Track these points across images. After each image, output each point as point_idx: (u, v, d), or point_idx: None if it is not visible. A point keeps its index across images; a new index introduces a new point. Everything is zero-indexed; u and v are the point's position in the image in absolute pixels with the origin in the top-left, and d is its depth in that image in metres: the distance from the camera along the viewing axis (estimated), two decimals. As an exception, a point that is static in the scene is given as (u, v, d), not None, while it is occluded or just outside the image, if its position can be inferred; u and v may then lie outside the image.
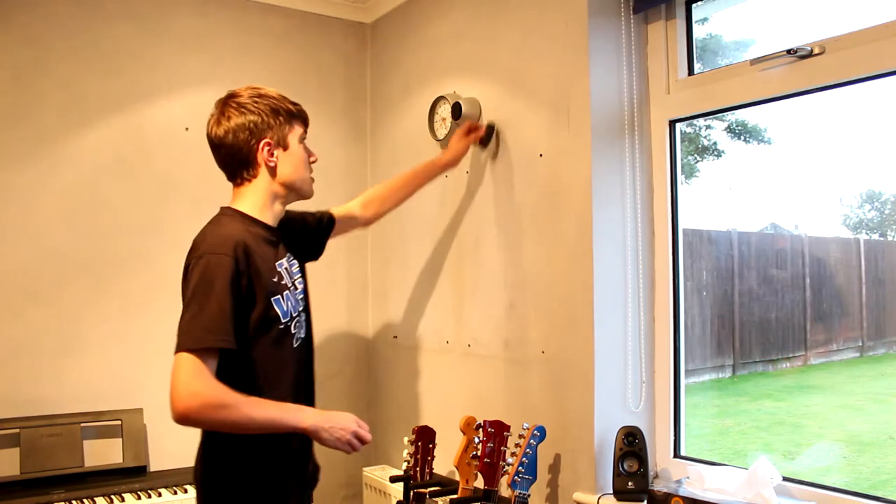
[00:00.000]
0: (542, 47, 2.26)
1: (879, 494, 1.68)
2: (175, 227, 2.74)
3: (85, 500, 2.27)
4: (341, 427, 1.58)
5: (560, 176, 2.19)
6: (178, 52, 2.77)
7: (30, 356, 2.48)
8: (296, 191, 1.73)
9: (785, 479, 1.82)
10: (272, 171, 1.67)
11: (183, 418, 1.41)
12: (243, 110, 1.63)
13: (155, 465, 2.61)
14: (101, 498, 2.30)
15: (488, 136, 2.44)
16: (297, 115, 1.70)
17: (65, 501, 2.25)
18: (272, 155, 1.65)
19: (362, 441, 1.61)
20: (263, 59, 2.96)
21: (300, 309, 1.72)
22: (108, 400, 2.56)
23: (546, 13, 2.24)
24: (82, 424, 2.44)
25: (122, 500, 2.32)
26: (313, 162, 1.76)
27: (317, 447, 1.73)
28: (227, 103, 1.66)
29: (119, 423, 2.51)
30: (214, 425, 1.49)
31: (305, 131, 1.73)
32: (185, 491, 2.42)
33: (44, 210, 2.52)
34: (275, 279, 1.63)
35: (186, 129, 2.77)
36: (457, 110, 2.50)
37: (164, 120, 2.74)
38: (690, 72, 2.10)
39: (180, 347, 1.44)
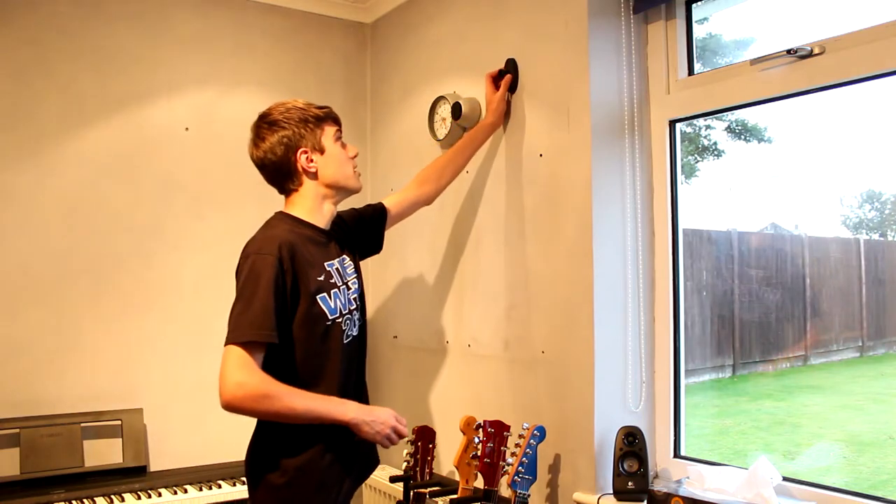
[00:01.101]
0: (542, 47, 2.26)
1: (879, 494, 1.68)
2: (175, 228, 2.75)
3: (85, 500, 2.27)
4: (381, 421, 1.68)
5: (560, 176, 2.19)
6: (178, 52, 2.77)
7: (30, 356, 2.48)
8: (341, 188, 1.81)
9: (785, 479, 1.81)
10: (315, 176, 1.76)
11: (229, 406, 1.51)
12: (275, 128, 1.73)
13: (155, 465, 2.61)
14: (101, 498, 2.30)
15: (515, 80, 2.34)
16: (326, 118, 1.77)
17: (65, 501, 2.25)
18: (311, 161, 1.74)
19: (400, 435, 1.72)
20: (263, 59, 2.97)
21: (352, 307, 1.79)
22: (108, 400, 2.56)
23: (546, 13, 2.24)
24: (82, 424, 2.44)
25: (122, 500, 2.32)
26: (354, 157, 1.83)
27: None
28: (259, 125, 1.76)
29: (119, 423, 2.51)
30: (258, 414, 1.59)
31: (339, 129, 1.81)
32: (185, 491, 2.43)
33: (44, 210, 2.52)
34: (321, 277, 1.70)
35: (186, 129, 2.77)
36: (457, 110, 2.50)
37: (164, 120, 2.74)
38: (690, 72, 2.10)
39: (228, 341, 1.54)
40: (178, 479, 2.48)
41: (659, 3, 2.08)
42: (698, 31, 2.18)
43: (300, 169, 1.74)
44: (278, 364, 1.61)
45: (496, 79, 2.35)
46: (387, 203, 2.18)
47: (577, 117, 2.12)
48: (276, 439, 1.68)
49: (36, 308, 2.50)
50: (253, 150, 1.76)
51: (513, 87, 2.36)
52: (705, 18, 2.24)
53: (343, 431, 1.69)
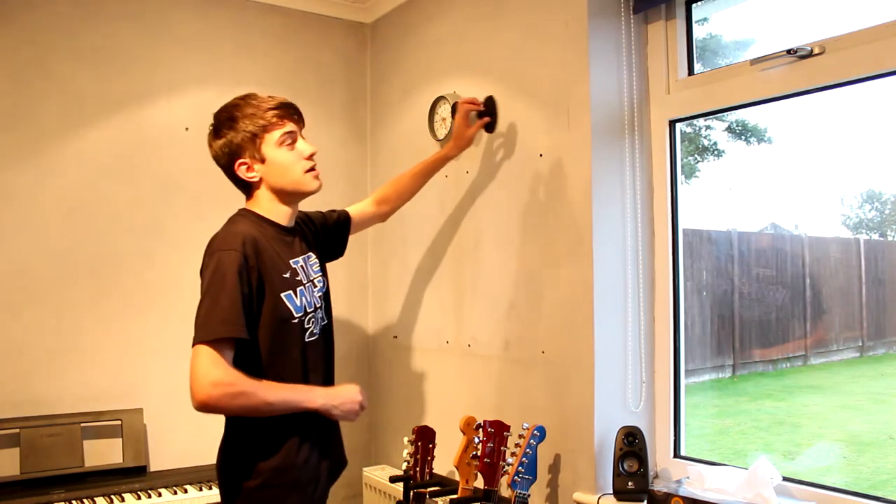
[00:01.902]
0: (542, 47, 2.26)
1: (879, 494, 1.68)
2: (175, 227, 2.75)
3: (85, 500, 2.27)
4: (349, 401, 1.70)
5: (560, 176, 2.19)
6: (178, 52, 2.77)
7: (30, 356, 2.48)
8: (291, 193, 1.75)
9: (785, 479, 1.82)
10: (259, 185, 1.72)
11: (203, 406, 1.49)
12: (221, 131, 1.71)
13: (155, 465, 2.61)
14: (101, 498, 2.30)
15: (494, 120, 2.37)
16: (272, 123, 1.68)
17: (65, 501, 2.25)
18: (251, 170, 1.70)
19: (363, 407, 1.73)
20: (263, 59, 2.97)
21: (317, 305, 1.77)
22: (108, 400, 2.56)
23: (546, 13, 2.24)
24: (82, 424, 2.44)
25: (122, 500, 2.32)
26: (309, 156, 1.74)
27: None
28: (213, 123, 1.74)
29: (119, 423, 2.51)
30: (232, 411, 1.57)
31: (289, 131, 1.71)
32: (185, 491, 2.42)
33: (44, 210, 2.52)
34: (287, 275, 1.68)
35: (186, 129, 2.77)
36: (457, 110, 2.49)
37: (164, 120, 2.74)
38: (690, 72, 2.10)
39: (197, 340, 1.51)
40: (178, 479, 2.48)
41: (659, 3, 2.08)
42: (698, 32, 2.18)
43: (243, 178, 1.71)
44: (244, 362, 1.58)
45: (481, 114, 2.37)
46: (351, 211, 2.16)
47: (577, 117, 2.12)
48: (247, 442, 1.65)
49: (36, 308, 2.50)
50: (209, 148, 1.75)
51: (490, 127, 2.39)
52: (705, 19, 2.24)
53: (314, 430, 1.70)
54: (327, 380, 1.83)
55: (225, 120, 1.70)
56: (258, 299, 1.61)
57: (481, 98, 2.39)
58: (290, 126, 1.71)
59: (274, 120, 1.68)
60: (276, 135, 1.69)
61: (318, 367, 1.78)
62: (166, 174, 2.73)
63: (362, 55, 3.24)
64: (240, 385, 1.51)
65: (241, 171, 1.70)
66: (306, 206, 1.90)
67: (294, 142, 1.72)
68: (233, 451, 1.69)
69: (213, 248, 1.62)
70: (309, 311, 1.72)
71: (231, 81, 2.87)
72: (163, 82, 2.74)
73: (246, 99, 1.71)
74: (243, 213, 1.74)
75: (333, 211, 2.11)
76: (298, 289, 1.69)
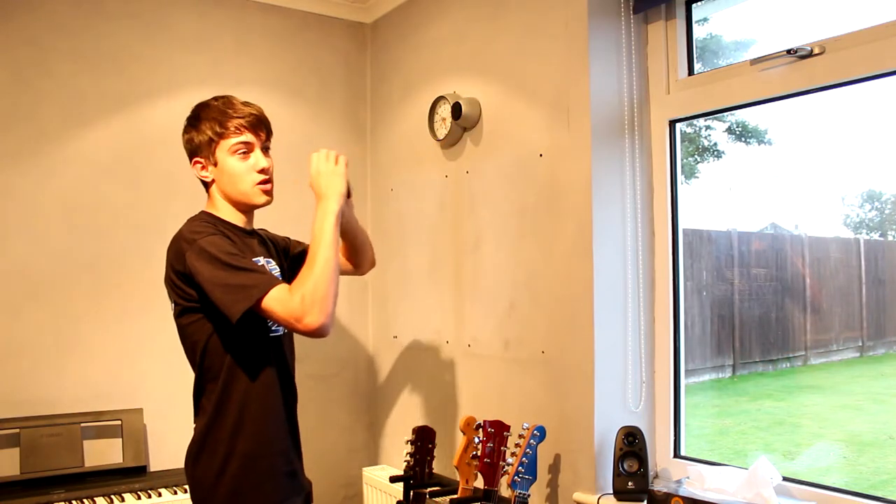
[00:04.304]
0: (542, 47, 2.26)
1: (879, 494, 1.68)
2: (175, 228, 2.71)
3: (85, 500, 2.27)
4: (339, 179, 1.69)
5: (560, 176, 2.19)
6: (178, 52, 2.77)
7: (30, 356, 2.48)
8: (240, 200, 1.74)
9: (785, 479, 1.82)
10: (213, 184, 1.76)
11: (325, 327, 1.51)
12: (187, 126, 1.75)
13: (155, 465, 2.61)
14: (101, 498, 2.30)
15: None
16: (221, 130, 1.69)
17: (65, 501, 2.25)
18: (204, 170, 1.74)
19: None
20: (263, 59, 2.97)
21: None
22: (108, 400, 2.56)
23: (546, 13, 2.24)
24: (82, 424, 2.44)
25: (122, 500, 2.32)
26: (261, 171, 1.72)
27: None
28: (188, 115, 1.77)
29: (119, 423, 2.51)
30: (334, 296, 1.55)
31: (248, 141, 1.71)
32: (185, 491, 2.42)
33: (44, 210, 2.52)
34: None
35: (186, 129, 2.77)
36: (457, 110, 2.50)
37: (164, 120, 2.74)
38: (690, 72, 2.10)
39: (254, 298, 1.51)
40: (178, 479, 2.47)
41: (659, 3, 2.08)
42: (698, 32, 2.18)
43: (197, 176, 1.76)
44: (211, 351, 1.62)
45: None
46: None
47: (577, 117, 2.12)
48: (216, 436, 1.64)
49: (36, 308, 2.50)
50: None
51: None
52: (705, 19, 2.24)
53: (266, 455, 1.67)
54: (289, 378, 1.80)
55: (193, 116, 1.74)
56: None
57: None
58: (248, 137, 1.71)
59: (232, 128, 1.69)
60: (230, 143, 1.70)
61: (283, 361, 1.76)
62: (166, 174, 2.73)
63: (362, 55, 3.24)
64: (307, 289, 1.50)
65: (196, 169, 1.75)
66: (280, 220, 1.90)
67: (249, 152, 1.71)
68: (203, 447, 1.65)
69: (189, 238, 1.61)
70: None
71: (231, 81, 2.87)
72: (163, 82, 2.74)
73: (218, 101, 1.73)
74: (203, 216, 1.75)
75: (300, 242, 2.04)
76: None
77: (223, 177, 1.72)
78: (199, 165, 1.74)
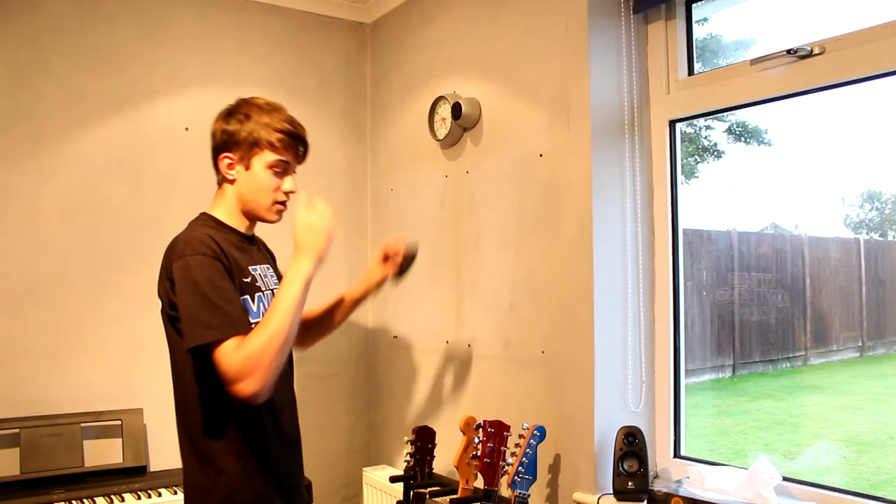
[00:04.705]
0: (542, 47, 2.26)
1: (879, 494, 1.68)
2: (175, 228, 2.70)
3: (85, 500, 2.27)
4: (320, 237, 1.60)
5: (560, 176, 2.19)
6: (178, 52, 2.77)
7: (30, 356, 2.48)
8: (252, 211, 1.71)
9: (785, 479, 1.82)
10: (232, 183, 1.69)
11: (259, 394, 1.43)
12: (230, 117, 1.67)
13: (155, 465, 2.61)
14: (101, 498, 2.30)
15: (406, 265, 1.98)
16: (272, 144, 1.65)
17: (65, 501, 2.25)
18: (231, 169, 1.67)
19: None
20: (263, 59, 2.97)
21: None
22: (108, 400, 2.56)
23: (546, 13, 2.24)
24: (82, 424, 2.44)
25: (122, 500, 2.32)
26: (287, 192, 1.70)
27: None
28: (231, 105, 1.70)
29: (119, 423, 2.51)
30: (276, 370, 1.48)
31: (288, 161, 1.68)
32: (185, 491, 2.42)
33: (44, 210, 2.52)
34: (246, 279, 1.64)
35: (186, 129, 2.77)
36: (457, 110, 2.50)
37: (164, 120, 2.74)
38: (690, 72, 2.10)
39: (210, 339, 1.46)
40: (177, 479, 2.46)
41: (659, 3, 2.08)
42: (698, 32, 2.18)
43: (220, 168, 1.69)
44: (203, 365, 1.52)
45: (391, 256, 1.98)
46: None
47: (577, 117, 2.12)
48: (212, 442, 1.58)
49: (36, 308, 2.50)
50: (214, 122, 1.71)
51: (402, 271, 1.98)
52: (705, 19, 2.24)
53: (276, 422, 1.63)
54: (287, 389, 1.76)
55: (241, 111, 1.67)
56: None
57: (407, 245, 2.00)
58: (289, 158, 1.69)
59: (278, 144, 1.66)
60: (272, 157, 1.66)
61: (279, 378, 1.68)
62: (166, 174, 2.73)
63: (362, 55, 3.24)
64: (256, 351, 1.43)
65: (222, 164, 1.68)
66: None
67: (283, 173, 1.69)
68: (200, 454, 1.60)
69: (182, 254, 1.56)
70: None
71: (231, 81, 2.87)
72: (162, 82, 2.74)
73: (270, 106, 1.68)
74: (203, 220, 1.70)
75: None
76: (256, 294, 1.65)
77: (248, 184, 1.67)
78: (227, 161, 1.67)
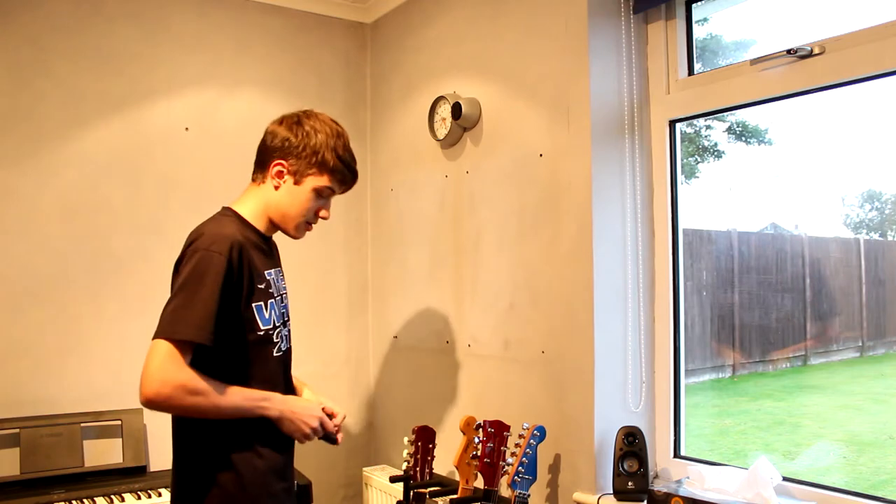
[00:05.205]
0: (542, 47, 2.26)
1: (879, 494, 1.68)
2: (175, 227, 2.74)
3: (85, 500, 2.27)
4: (305, 419, 1.63)
5: (560, 176, 2.19)
6: (178, 52, 2.77)
7: (30, 356, 2.48)
8: (280, 222, 1.71)
9: (785, 479, 1.82)
10: (273, 189, 1.68)
11: (150, 402, 1.44)
12: (301, 126, 1.67)
13: (155, 465, 2.61)
14: (101, 498, 2.30)
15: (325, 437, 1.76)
16: (333, 171, 1.67)
17: (65, 501, 2.25)
18: (281, 177, 1.67)
19: (325, 430, 1.68)
20: (263, 59, 2.97)
21: (285, 320, 1.72)
22: (108, 400, 2.56)
23: (546, 13, 2.24)
24: (82, 424, 2.44)
25: (122, 500, 2.32)
26: (322, 218, 1.73)
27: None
28: (298, 113, 1.71)
29: (119, 423, 2.51)
30: (181, 410, 1.51)
31: (332, 189, 1.70)
32: (185, 491, 2.42)
33: (44, 210, 2.52)
34: (262, 286, 1.63)
35: (186, 129, 2.77)
36: (457, 110, 2.50)
37: (164, 120, 2.74)
38: (690, 72, 2.10)
39: (160, 334, 1.47)
40: (178, 479, 2.47)
41: (659, 3, 2.08)
42: (698, 32, 2.18)
43: (269, 170, 1.67)
44: (201, 369, 1.51)
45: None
46: None
47: (577, 117, 2.12)
48: (213, 442, 1.58)
49: (36, 308, 2.50)
50: (276, 123, 1.71)
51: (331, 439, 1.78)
52: (705, 19, 2.24)
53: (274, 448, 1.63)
54: (287, 389, 1.74)
55: (313, 127, 1.67)
56: (233, 308, 1.56)
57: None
58: (336, 189, 1.71)
59: (339, 175, 1.68)
60: (325, 184, 1.68)
61: (281, 380, 1.70)
62: (166, 174, 2.73)
63: (362, 55, 3.24)
64: (193, 384, 1.45)
65: (272, 170, 1.66)
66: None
67: (325, 199, 1.71)
68: (197, 456, 1.60)
69: (198, 246, 1.54)
70: (277, 324, 1.66)
71: (231, 81, 2.88)
72: (162, 82, 2.74)
73: (341, 135, 1.70)
74: (230, 214, 1.68)
75: None
76: (269, 301, 1.64)
77: (290, 197, 1.67)
78: (279, 168, 1.66)
